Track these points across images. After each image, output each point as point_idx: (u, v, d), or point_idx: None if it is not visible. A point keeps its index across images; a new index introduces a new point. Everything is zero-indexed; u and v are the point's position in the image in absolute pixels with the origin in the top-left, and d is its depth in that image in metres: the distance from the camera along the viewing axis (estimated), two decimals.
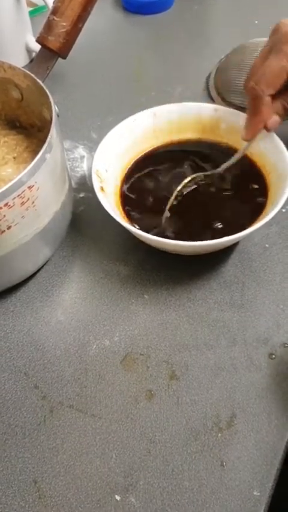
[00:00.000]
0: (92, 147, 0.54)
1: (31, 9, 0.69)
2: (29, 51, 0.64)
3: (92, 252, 0.46)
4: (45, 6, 0.64)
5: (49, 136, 0.37)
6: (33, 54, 0.65)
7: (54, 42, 0.42)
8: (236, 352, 0.40)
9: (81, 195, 0.51)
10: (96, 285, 0.44)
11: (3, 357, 0.40)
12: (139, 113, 0.48)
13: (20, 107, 0.47)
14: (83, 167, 0.53)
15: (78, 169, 0.53)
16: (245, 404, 0.37)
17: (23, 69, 0.42)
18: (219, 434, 0.36)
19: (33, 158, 0.44)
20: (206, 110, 0.49)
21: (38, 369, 0.39)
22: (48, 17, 0.42)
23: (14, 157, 0.45)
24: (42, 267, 0.44)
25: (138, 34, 0.72)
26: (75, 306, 0.43)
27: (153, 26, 0.73)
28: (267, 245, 0.46)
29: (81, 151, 0.55)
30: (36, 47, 0.62)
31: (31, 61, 0.66)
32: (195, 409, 0.37)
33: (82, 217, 0.49)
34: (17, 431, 0.36)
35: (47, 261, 0.44)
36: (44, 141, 0.44)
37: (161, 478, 0.34)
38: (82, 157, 0.55)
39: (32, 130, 0.48)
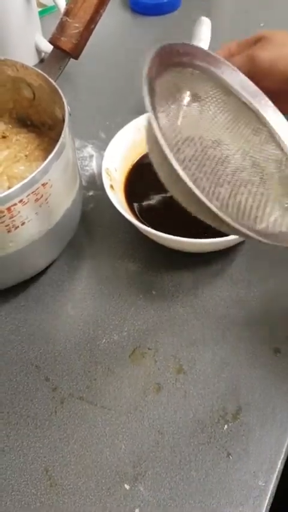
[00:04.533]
0: (101, 146, 0.55)
1: (40, 9, 0.70)
2: (38, 51, 0.65)
3: (101, 249, 0.47)
4: (55, 6, 0.65)
5: (62, 135, 0.38)
6: (43, 54, 0.66)
7: (66, 43, 0.43)
8: (241, 348, 0.41)
9: (91, 193, 0.52)
10: (105, 281, 0.45)
11: (15, 349, 0.41)
12: (148, 113, 0.49)
13: (31, 106, 0.48)
14: (92, 166, 0.54)
15: (87, 168, 0.54)
16: (250, 398, 0.38)
17: (35, 68, 0.43)
18: (226, 427, 0.37)
19: (44, 156, 0.45)
20: None
21: (48, 361, 0.40)
22: (61, 18, 0.43)
23: (26, 155, 0.46)
24: (52, 263, 0.45)
25: (145, 35, 0.73)
26: (85, 301, 0.44)
27: (160, 27, 0.74)
28: None
29: (90, 150, 0.56)
30: (46, 47, 0.64)
31: (41, 61, 0.67)
32: (202, 402, 0.38)
33: (91, 215, 0.50)
34: (28, 422, 0.37)
35: (57, 258, 0.45)
36: (55, 140, 0.45)
37: (169, 468, 0.35)
38: (91, 156, 0.56)
39: (43, 129, 0.49)
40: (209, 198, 0.30)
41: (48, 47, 0.64)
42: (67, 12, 0.42)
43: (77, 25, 0.43)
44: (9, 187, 0.38)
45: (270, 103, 0.36)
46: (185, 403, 0.38)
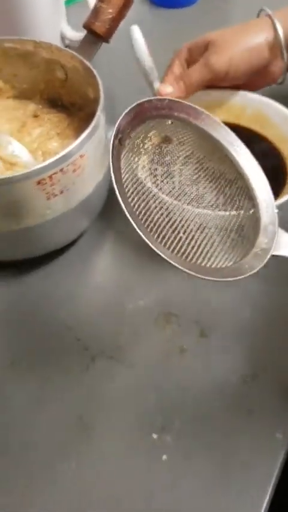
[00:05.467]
0: None
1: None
2: (62, 38, 0.68)
3: (125, 224, 0.50)
4: None
5: (98, 111, 0.41)
6: (67, 42, 0.69)
7: (100, 27, 0.46)
8: (259, 321, 0.43)
9: None
10: (130, 253, 0.48)
11: (47, 312, 0.44)
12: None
13: (63, 87, 0.50)
14: None
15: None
16: (268, 361, 0.41)
17: (70, 50, 0.46)
18: (246, 386, 0.39)
19: (75, 135, 0.48)
20: (233, 96, 0.53)
21: (79, 323, 0.43)
22: (96, 4, 0.46)
23: (58, 133, 0.49)
24: (82, 234, 0.48)
25: (163, 27, 0.76)
26: (112, 271, 0.47)
27: (177, 19, 0.77)
28: None
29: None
30: (71, 35, 0.67)
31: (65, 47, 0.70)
32: (223, 364, 0.41)
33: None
34: (63, 376, 0.40)
35: (86, 229, 0.48)
36: (85, 120, 0.48)
37: (193, 421, 0.38)
38: None
39: (72, 110, 0.52)
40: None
41: (72, 35, 0.67)
42: None
43: (110, 11, 0.45)
44: (43, 162, 0.41)
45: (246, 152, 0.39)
46: (207, 364, 0.41)
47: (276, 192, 0.45)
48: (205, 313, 0.44)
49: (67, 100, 0.51)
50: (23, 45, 0.49)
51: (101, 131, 0.42)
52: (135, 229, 0.31)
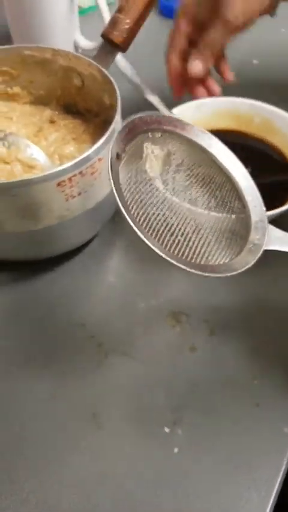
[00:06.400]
0: None
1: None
2: (76, 47, 0.70)
3: None
4: (91, 8, 0.70)
5: (116, 116, 0.42)
6: (79, 51, 0.71)
7: (118, 36, 0.48)
8: (268, 319, 0.45)
9: None
10: (142, 255, 0.49)
11: (62, 310, 0.45)
12: (181, 105, 0.54)
13: (79, 93, 0.52)
14: None
15: None
16: (276, 358, 0.42)
17: (88, 58, 0.48)
18: (255, 381, 0.41)
19: (92, 140, 0.50)
20: (242, 104, 0.55)
21: (93, 321, 0.44)
22: (114, 15, 0.48)
23: (74, 138, 0.50)
24: (95, 236, 0.50)
25: None
26: (124, 271, 0.48)
27: None
28: None
29: None
30: (84, 44, 0.69)
31: None
32: (232, 362, 0.42)
33: None
34: (77, 372, 0.42)
35: (99, 231, 0.50)
36: (100, 126, 0.50)
37: (203, 415, 0.39)
38: None
39: (87, 116, 0.53)
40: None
41: (85, 44, 0.69)
42: (120, 10, 0.47)
43: (128, 21, 0.47)
44: (60, 166, 0.43)
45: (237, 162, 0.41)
46: (217, 361, 0.42)
47: (285, 200, 0.46)
48: (215, 312, 0.45)
49: (82, 106, 0.53)
50: (42, 52, 0.50)
51: None
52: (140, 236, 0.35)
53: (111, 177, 0.34)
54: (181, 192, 0.40)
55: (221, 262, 0.37)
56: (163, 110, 0.52)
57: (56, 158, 0.48)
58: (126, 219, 0.35)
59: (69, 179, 0.39)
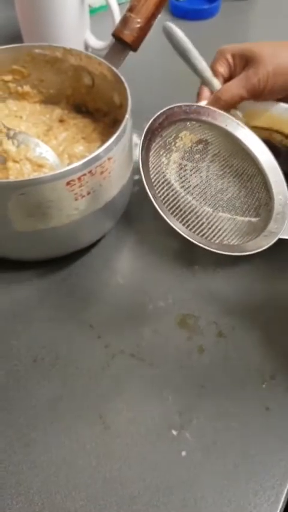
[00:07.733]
0: None
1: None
2: (86, 46, 0.70)
3: (146, 226, 0.51)
4: (102, 8, 0.70)
5: (126, 115, 0.42)
6: (90, 50, 0.71)
7: (129, 36, 0.47)
8: (277, 321, 0.44)
9: (136, 177, 0.56)
10: (151, 255, 0.49)
11: (70, 310, 0.45)
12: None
13: (89, 93, 0.52)
14: (136, 153, 0.58)
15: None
16: (286, 361, 0.42)
17: (99, 58, 0.48)
18: (264, 385, 0.40)
19: (101, 139, 0.49)
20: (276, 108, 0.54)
21: (101, 322, 0.44)
22: (125, 14, 0.47)
23: (83, 138, 0.50)
24: (103, 236, 0.49)
25: None
26: (133, 272, 0.48)
27: (198, 31, 0.78)
28: None
29: (135, 138, 0.60)
30: (94, 43, 0.69)
31: None
32: (241, 364, 0.42)
33: (137, 196, 0.54)
34: (84, 374, 0.41)
35: (108, 232, 0.49)
36: (109, 125, 0.50)
37: (212, 418, 0.39)
38: (136, 144, 0.60)
39: (96, 115, 0.53)
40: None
41: (95, 44, 0.69)
42: (131, 9, 0.47)
43: (138, 20, 0.47)
44: (69, 165, 0.43)
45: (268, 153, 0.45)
46: (225, 363, 0.42)
47: None
48: (223, 314, 0.45)
49: (92, 106, 0.53)
50: (53, 51, 0.50)
51: (127, 135, 0.44)
52: (159, 218, 0.38)
53: (139, 154, 0.38)
54: (214, 180, 0.44)
55: (236, 243, 0.41)
56: (212, 80, 0.53)
57: (65, 157, 0.48)
58: (149, 194, 0.38)
59: (79, 178, 0.39)
